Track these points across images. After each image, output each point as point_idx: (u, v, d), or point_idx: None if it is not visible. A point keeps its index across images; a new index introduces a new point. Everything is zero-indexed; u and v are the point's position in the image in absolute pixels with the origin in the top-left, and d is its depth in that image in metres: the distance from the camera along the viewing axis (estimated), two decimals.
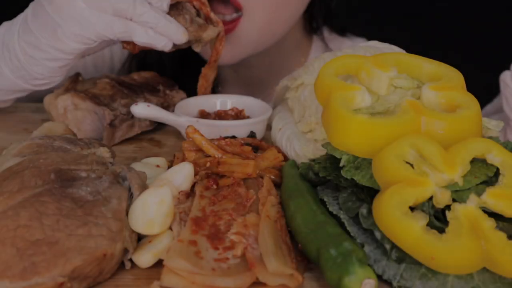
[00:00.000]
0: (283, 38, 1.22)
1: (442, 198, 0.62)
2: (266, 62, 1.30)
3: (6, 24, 1.00)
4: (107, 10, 0.88)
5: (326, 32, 1.38)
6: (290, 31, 1.23)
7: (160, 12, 0.90)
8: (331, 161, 0.73)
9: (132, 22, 0.89)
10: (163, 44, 0.91)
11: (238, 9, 1.09)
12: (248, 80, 1.32)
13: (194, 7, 0.98)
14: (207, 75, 1.06)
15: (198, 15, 1.00)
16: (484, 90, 1.01)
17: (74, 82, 1.03)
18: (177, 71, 1.29)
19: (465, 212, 0.60)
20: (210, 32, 0.98)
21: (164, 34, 0.91)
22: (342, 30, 1.40)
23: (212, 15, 0.99)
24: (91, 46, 0.92)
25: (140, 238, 0.67)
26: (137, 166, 0.81)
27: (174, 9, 0.95)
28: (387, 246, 0.61)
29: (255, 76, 1.32)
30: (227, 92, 1.35)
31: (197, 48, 1.00)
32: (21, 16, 0.97)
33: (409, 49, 0.88)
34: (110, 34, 0.89)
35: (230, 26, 1.09)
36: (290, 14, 1.17)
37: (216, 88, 1.33)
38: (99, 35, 0.89)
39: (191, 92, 1.12)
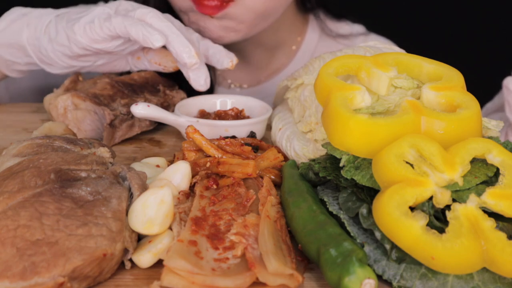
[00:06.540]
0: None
1: (442, 198, 0.62)
2: (260, 41, 1.29)
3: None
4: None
5: (322, 14, 1.37)
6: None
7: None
8: (331, 161, 0.73)
9: None
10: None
11: None
12: (243, 60, 1.32)
13: None
14: None
15: None
16: (484, 90, 1.01)
17: (74, 82, 1.03)
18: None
19: (465, 212, 0.60)
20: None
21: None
22: (338, 15, 1.38)
23: None
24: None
25: (140, 238, 0.67)
26: (137, 166, 0.81)
27: None
28: (387, 246, 0.61)
29: (250, 56, 1.32)
30: (224, 73, 1.35)
31: None
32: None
33: (409, 49, 0.88)
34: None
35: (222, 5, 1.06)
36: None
37: (212, 71, 1.32)
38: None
39: (191, 92, 1.11)
